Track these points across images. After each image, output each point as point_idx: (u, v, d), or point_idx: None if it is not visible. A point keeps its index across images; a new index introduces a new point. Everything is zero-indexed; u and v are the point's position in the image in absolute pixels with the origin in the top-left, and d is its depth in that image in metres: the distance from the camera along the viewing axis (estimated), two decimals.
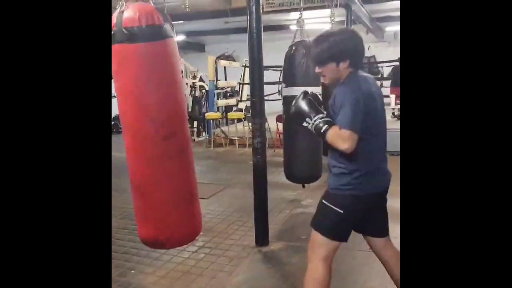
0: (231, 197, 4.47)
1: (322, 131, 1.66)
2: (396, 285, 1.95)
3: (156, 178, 1.93)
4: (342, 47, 1.70)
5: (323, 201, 1.81)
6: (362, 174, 1.72)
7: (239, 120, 8.23)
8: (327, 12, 5.26)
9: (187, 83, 8.45)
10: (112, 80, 1.82)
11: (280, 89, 4.77)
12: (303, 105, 1.74)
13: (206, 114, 8.15)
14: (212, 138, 7.93)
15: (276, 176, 4.87)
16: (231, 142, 7.79)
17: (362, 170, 1.72)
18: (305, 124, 1.73)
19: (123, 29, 1.74)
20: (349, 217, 1.77)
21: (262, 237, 3.09)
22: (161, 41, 1.82)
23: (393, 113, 8.57)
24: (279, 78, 5.58)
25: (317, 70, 1.79)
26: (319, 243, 1.79)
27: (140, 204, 2.02)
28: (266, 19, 5.88)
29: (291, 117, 1.85)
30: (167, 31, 1.85)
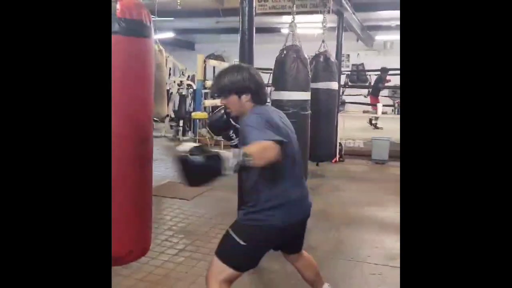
0: (214, 199, 4.40)
1: (245, 162, 1.43)
2: (311, 286, 2.10)
3: (122, 187, 1.77)
4: (242, 84, 1.75)
5: (229, 230, 1.77)
6: (274, 206, 1.69)
7: None
8: (319, 17, 5.26)
9: (174, 81, 8.35)
10: None
11: (269, 92, 4.75)
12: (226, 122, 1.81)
13: (192, 114, 8.06)
14: (197, 138, 7.84)
15: None
16: (217, 143, 7.71)
17: (274, 201, 1.69)
18: (223, 171, 1.45)
19: (118, 20, 1.66)
20: (253, 250, 1.74)
21: None
22: (146, 39, 1.77)
23: (370, 121, 8.66)
24: (269, 81, 5.56)
25: (221, 101, 1.83)
26: (218, 269, 1.74)
27: None
28: (257, 21, 5.84)
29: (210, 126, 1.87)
30: (151, 31, 1.81)
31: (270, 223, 1.71)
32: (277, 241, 1.84)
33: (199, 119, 8.06)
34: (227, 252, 1.76)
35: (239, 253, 1.73)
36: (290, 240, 1.92)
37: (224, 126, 1.78)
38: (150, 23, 1.78)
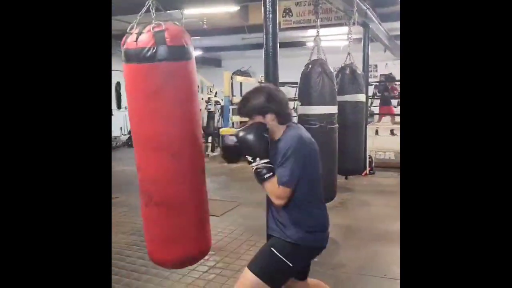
0: (243, 215, 4.40)
1: (264, 177, 1.70)
2: None
3: (194, 196, 1.94)
4: (263, 106, 1.78)
5: (272, 249, 1.76)
6: (312, 230, 1.77)
7: None
8: (344, 29, 5.24)
9: (202, 98, 8.49)
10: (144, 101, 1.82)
11: (295, 107, 4.73)
12: (255, 140, 1.74)
13: (220, 130, 8.14)
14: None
15: None
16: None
17: (312, 225, 1.78)
18: (249, 158, 1.75)
19: (169, 47, 1.74)
20: (294, 270, 1.80)
21: None
22: (191, 61, 1.88)
23: (391, 132, 8.48)
24: (295, 95, 5.55)
25: (249, 122, 1.85)
26: (252, 286, 1.72)
27: (170, 225, 1.89)
28: (283, 35, 5.89)
29: (237, 140, 1.83)
30: (192, 52, 1.92)
31: (315, 244, 1.80)
32: (309, 261, 1.91)
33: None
34: (269, 270, 1.74)
35: (282, 272, 1.75)
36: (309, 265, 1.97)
37: (262, 149, 1.75)
38: (191, 46, 1.87)
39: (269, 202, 1.83)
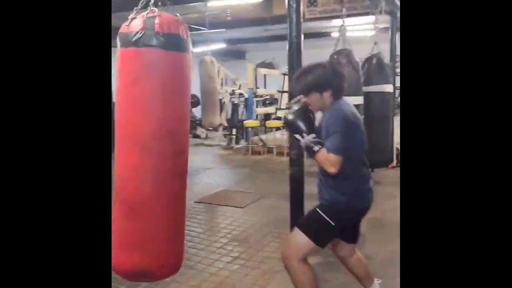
0: (267, 207, 4.40)
1: (313, 150, 1.84)
2: (361, 282, 2.22)
3: (160, 199, 1.73)
4: (324, 79, 1.90)
5: (318, 210, 1.96)
6: (356, 192, 1.94)
7: (278, 128, 8.16)
8: (370, 18, 5.12)
9: (226, 91, 8.51)
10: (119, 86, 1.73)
11: None
12: (300, 119, 1.89)
13: (244, 122, 8.15)
14: (250, 146, 7.91)
15: (314, 187, 4.74)
16: (269, 150, 7.73)
17: (356, 188, 1.94)
18: (297, 137, 1.89)
19: (156, 33, 1.66)
20: (337, 229, 1.96)
21: None
22: (186, 54, 1.77)
23: None
24: None
25: (303, 100, 1.95)
26: (301, 243, 1.93)
27: (130, 227, 1.72)
28: (307, 26, 5.80)
29: (285, 123, 2.00)
30: (190, 46, 1.81)
31: (354, 204, 1.96)
32: (352, 222, 2.06)
33: (251, 127, 8.14)
34: (314, 227, 1.95)
35: (325, 230, 1.94)
36: (354, 226, 2.10)
37: (308, 126, 1.88)
38: (187, 38, 1.77)
39: (319, 171, 1.98)
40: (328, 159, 1.81)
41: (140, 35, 1.66)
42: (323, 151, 1.83)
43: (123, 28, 1.72)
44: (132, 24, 1.70)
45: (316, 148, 1.84)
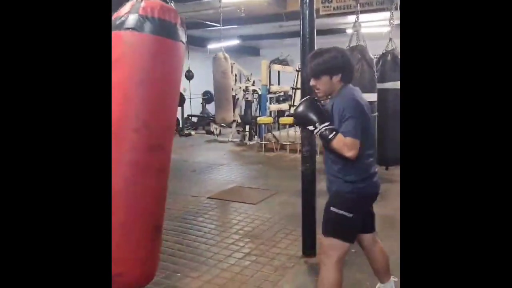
0: (279, 204, 4.40)
1: (329, 137, 1.81)
2: (378, 276, 2.22)
3: (127, 196, 1.58)
4: (335, 62, 1.88)
5: (330, 208, 1.92)
6: (364, 178, 1.90)
7: (291, 125, 8.13)
8: (385, 15, 5.05)
9: (240, 87, 8.51)
10: None
11: None
12: (310, 110, 1.87)
13: (258, 119, 8.15)
14: (263, 142, 7.91)
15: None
16: (282, 147, 7.72)
17: (364, 174, 1.90)
18: (311, 128, 1.87)
19: (140, 16, 1.60)
20: (356, 219, 1.92)
21: (309, 248, 2.99)
22: (174, 41, 1.68)
23: None
24: None
25: (312, 83, 1.93)
26: (333, 247, 1.92)
27: None
28: (321, 22, 5.75)
29: (295, 118, 2.00)
30: (182, 35, 1.74)
31: (368, 190, 1.93)
32: (365, 208, 2.02)
33: (265, 124, 8.13)
34: (336, 228, 1.92)
35: (347, 226, 1.91)
36: (367, 214, 2.07)
37: (320, 116, 1.86)
38: (177, 25, 1.69)
39: (326, 158, 1.96)
40: (346, 143, 1.79)
41: (124, 18, 1.63)
42: (339, 136, 1.80)
43: (114, 15, 1.69)
44: (121, 9, 1.69)
45: (331, 135, 1.81)
